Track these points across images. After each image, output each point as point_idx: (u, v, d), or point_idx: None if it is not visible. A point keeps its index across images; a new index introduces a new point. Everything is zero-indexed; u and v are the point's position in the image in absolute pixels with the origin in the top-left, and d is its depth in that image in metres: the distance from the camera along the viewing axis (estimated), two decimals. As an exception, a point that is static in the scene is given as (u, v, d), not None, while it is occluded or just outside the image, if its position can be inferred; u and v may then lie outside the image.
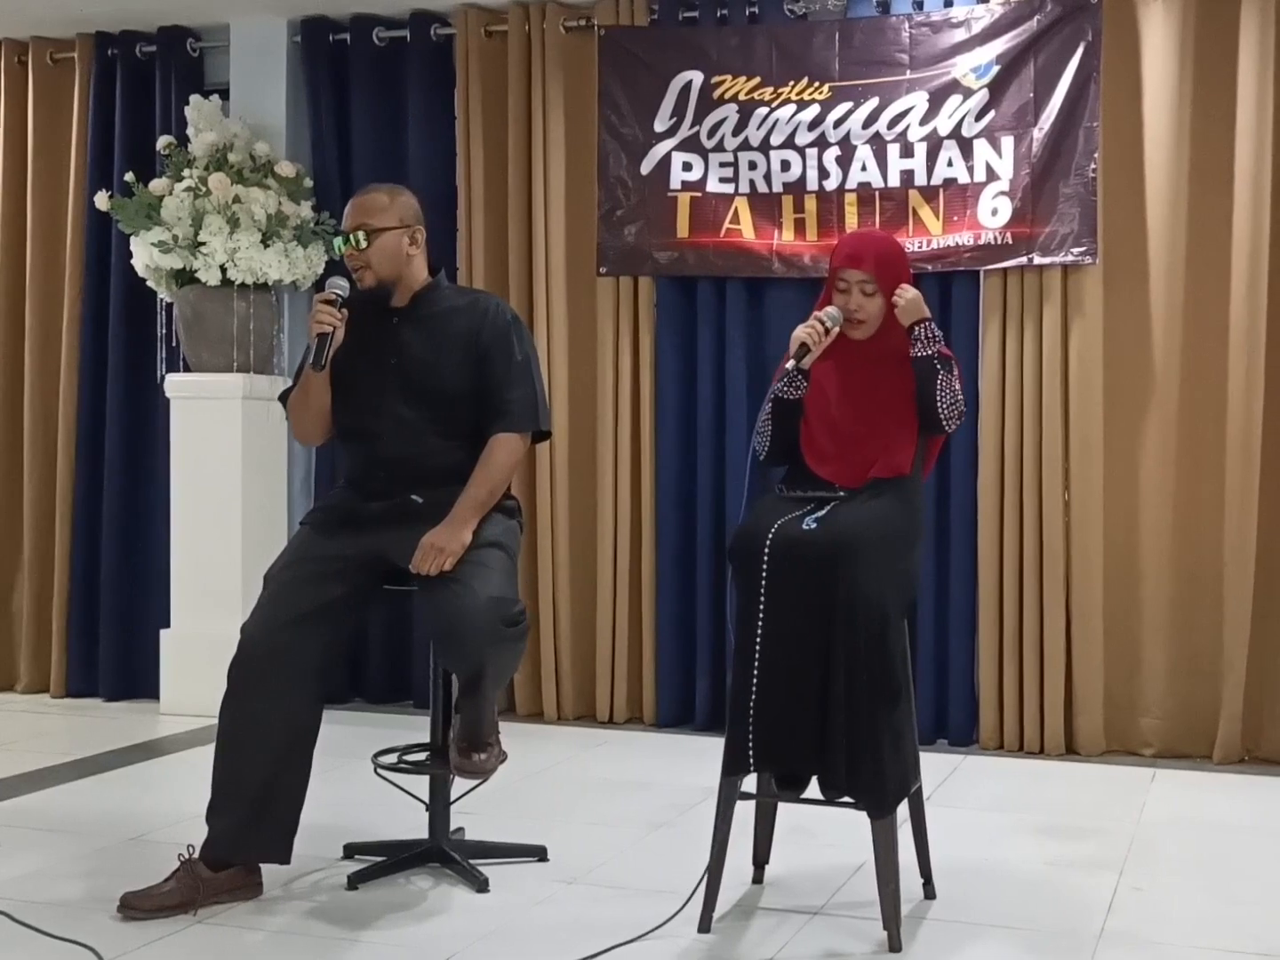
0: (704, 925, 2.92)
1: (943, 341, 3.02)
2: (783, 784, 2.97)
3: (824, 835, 3.50)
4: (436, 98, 5.31)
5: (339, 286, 3.17)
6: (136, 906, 2.99)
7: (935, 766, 4.24)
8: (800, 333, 3.00)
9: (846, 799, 2.86)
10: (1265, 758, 4.55)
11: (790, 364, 3.00)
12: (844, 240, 3.26)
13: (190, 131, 5.23)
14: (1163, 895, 3.24)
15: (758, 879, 3.23)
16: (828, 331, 2.99)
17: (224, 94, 5.42)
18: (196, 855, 3.07)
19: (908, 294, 3.00)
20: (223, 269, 5.02)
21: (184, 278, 5.12)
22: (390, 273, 3.22)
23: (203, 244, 5.01)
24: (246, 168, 5.15)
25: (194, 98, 5.28)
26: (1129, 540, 4.66)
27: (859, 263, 3.01)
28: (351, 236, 3.19)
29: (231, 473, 5.10)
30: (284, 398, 3.35)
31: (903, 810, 2.96)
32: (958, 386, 3.02)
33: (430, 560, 3.04)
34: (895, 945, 2.83)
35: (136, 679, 5.45)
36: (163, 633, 5.24)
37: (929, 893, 3.16)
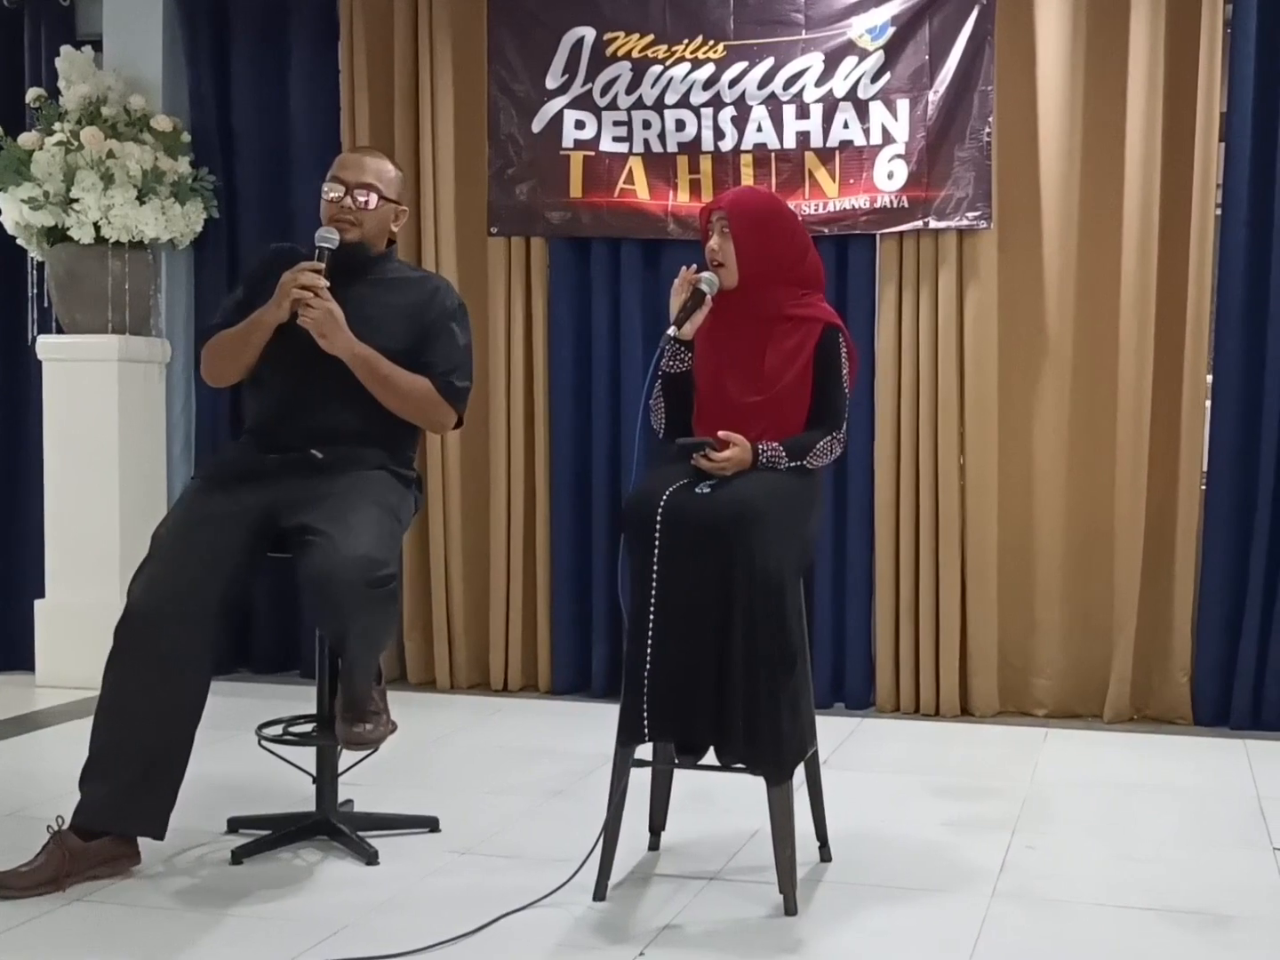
0: (599, 893, 2.89)
1: (781, 451, 2.92)
2: (680, 751, 2.93)
3: (720, 800, 3.48)
4: (320, 50, 5.16)
5: (328, 241, 3.14)
6: (10, 885, 2.88)
7: (833, 730, 4.26)
8: (676, 286, 2.99)
9: (743, 765, 2.84)
10: (1154, 717, 4.62)
11: (671, 330, 2.97)
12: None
13: (61, 84, 5.06)
14: (1056, 853, 3.26)
15: (654, 845, 3.20)
16: (704, 297, 2.96)
17: (97, 45, 5.24)
18: (66, 826, 2.96)
19: (730, 460, 2.87)
20: (96, 226, 4.88)
21: (56, 235, 4.96)
22: (374, 239, 3.24)
23: (75, 200, 4.86)
24: (121, 122, 4.99)
25: (65, 49, 5.11)
26: (1023, 503, 4.70)
27: (714, 207, 3.07)
28: (358, 193, 3.17)
29: (108, 437, 4.96)
30: (209, 332, 3.28)
31: (799, 774, 2.95)
32: (835, 451, 3.00)
33: (314, 317, 3.03)
34: (791, 909, 2.82)
35: (11, 651, 5.30)
36: (37, 603, 5.10)
37: (825, 856, 3.16)
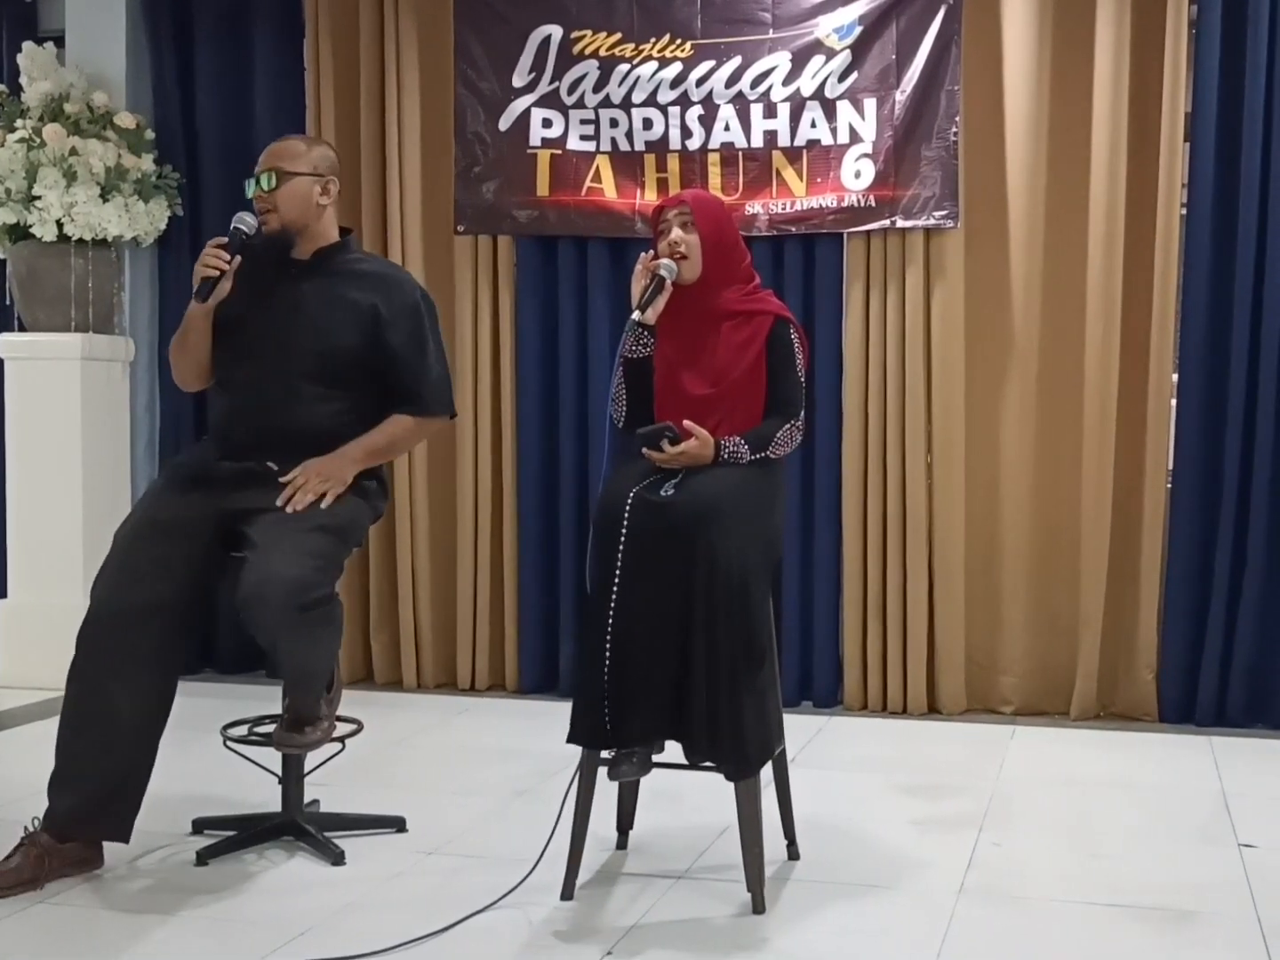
0: (567, 893, 2.88)
1: (744, 445, 2.94)
2: (633, 758, 2.89)
3: (688, 799, 3.47)
4: (285, 47, 5.14)
5: (244, 223, 3.11)
6: None
7: (800, 728, 4.26)
8: (637, 273, 3.01)
9: (709, 763, 2.83)
10: (1119, 714, 4.64)
11: (635, 315, 2.97)
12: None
13: (23, 80, 5.01)
14: (1021, 850, 3.27)
15: (622, 844, 3.20)
16: (664, 282, 2.98)
17: (59, 41, 5.21)
18: (38, 828, 2.96)
19: (683, 453, 2.89)
20: (59, 224, 4.83)
21: (18, 233, 4.91)
22: (297, 219, 3.17)
23: (37, 198, 4.81)
24: (84, 119, 4.94)
25: (27, 45, 5.06)
26: (990, 502, 4.71)
27: (676, 201, 3.10)
28: (262, 177, 3.13)
29: (71, 437, 4.90)
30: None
31: (767, 773, 2.95)
32: (795, 439, 3.03)
33: (313, 484, 2.97)
34: (759, 907, 2.82)
35: (-27, 654, 5.21)
36: None
37: (793, 854, 3.16)
